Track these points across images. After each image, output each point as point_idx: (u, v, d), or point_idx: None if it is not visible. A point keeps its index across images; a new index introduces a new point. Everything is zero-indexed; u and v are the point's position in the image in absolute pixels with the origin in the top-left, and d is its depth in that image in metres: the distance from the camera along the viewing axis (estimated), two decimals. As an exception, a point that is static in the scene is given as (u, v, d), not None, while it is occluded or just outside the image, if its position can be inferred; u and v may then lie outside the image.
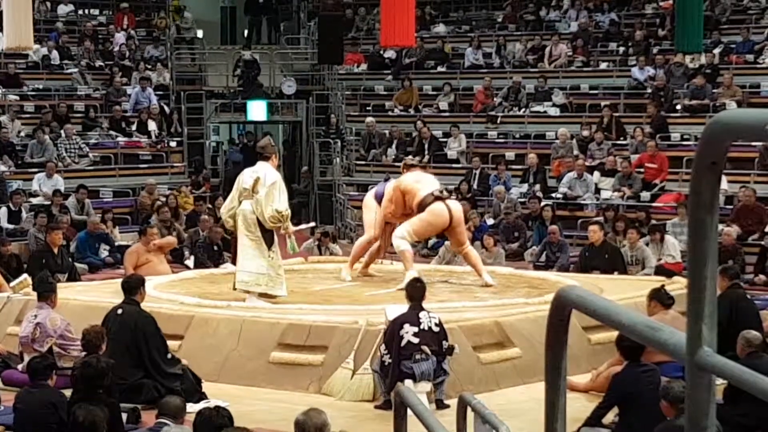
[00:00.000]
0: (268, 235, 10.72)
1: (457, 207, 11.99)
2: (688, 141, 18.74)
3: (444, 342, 8.93)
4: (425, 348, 8.76)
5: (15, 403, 7.94)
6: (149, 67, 23.40)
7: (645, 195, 17.73)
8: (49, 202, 17.72)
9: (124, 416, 7.73)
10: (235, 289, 10.76)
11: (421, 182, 11.90)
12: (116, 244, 16.90)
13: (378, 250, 12.42)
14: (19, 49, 14.90)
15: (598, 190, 18.27)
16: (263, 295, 10.71)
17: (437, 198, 11.70)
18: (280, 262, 10.93)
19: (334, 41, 21.36)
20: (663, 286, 10.18)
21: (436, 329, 8.89)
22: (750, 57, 21.14)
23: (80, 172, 19.53)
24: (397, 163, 20.44)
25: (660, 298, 9.64)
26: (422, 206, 11.67)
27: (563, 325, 2.31)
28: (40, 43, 22.01)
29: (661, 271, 14.14)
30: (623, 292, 11.17)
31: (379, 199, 12.33)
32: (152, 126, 21.26)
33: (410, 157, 12.99)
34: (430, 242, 17.17)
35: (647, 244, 14.96)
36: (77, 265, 15.41)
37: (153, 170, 20.51)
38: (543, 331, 2.34)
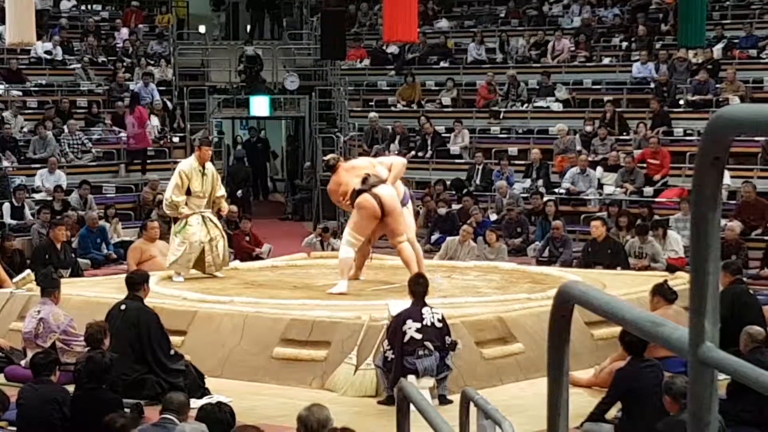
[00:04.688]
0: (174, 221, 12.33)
1: (388, 193, 11.22)
2: (691, 136, 18.73)
3: (447, 337, 8.93)
4: (428, 344, 8.77)
5: (18, 399, 7.95)
6: (152, 62, 23.41)
7: (648, 190, 17.72)
8: (51, 198, 17.73)
9: (127, 412, 7.73)
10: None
11: (343, 183, 11.43)
12: (119, 239, 16.91)
13: (363, 252, 12.00)
14: (21, 45, 14.91)
15: (600, 186, 18.26)
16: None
17: (360, 191, 11.19)
18: (185, 240, 12.10)
19: (336, 37, 21.35)
20: (666, 281, 10.18)
21: (439, 325, 8.90)
22: (753, 52, 21.13)
23: (83, 168, 19.55)
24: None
25: (663, 294, 9.65)
26: (353, 201, 11.29)
27: (566, 321, 2.30)
28: (42, 39, 21.99)
29: (665, 265, 14.15)
30: (626, 288, 11.18)
31: None
32: (155, 122, 21.26)
33: (329, 156, 12.42)
34: (433, 237, 17.18)
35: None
36: (80, 260, 15.43)
37: (156, 166, 20.51)
38: (546, 327, 2.34)
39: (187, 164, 12.32)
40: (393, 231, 11.32)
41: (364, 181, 11.19)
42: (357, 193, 11.15)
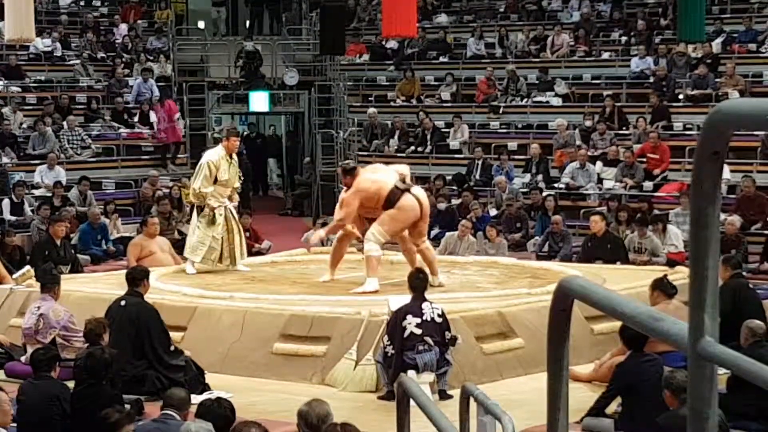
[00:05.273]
0: (198, 210, 12.32)
1: (424, 196, 11.20)
2: (690, 131, 18.72)
3: (446, 332, 8.94)
4: (428, 339, 8.77)
5: (18, 395, 7.94)
6: (151, 58, 23.40)
7: (647, 185, 17.72)
8: (51, 194, 17.74)
9: (127, 408, 7.73)
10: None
11: (379, 180, 10.99)
12: (118, 235, 16.90)
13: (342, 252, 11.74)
14: (20, 41, 14.90)
15: (600, 180, 18.26)
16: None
17: (404, 190, 10.90)
18: (209, 233, 12.20)
19: (335, 32, 21.33)
20: (666, 275, 10.18)
21: (438, 320, 8.90)
22: (753, 46, 21.12)
23: (82, 164, 19.55)
24: (399, 154, 20.54)
25: (663, 288, 9.63)
26: (390, 201, 10.85)
27: (566, 316, 2.30)
28: (42, 35, 22.00)
29: (665, 260, 14.15)
30: (626, 282, 11.17)
31: None
32: (154, 117, 21.26)
33: (347, 161, 11.72)
34: (433, 233, 17.17)
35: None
36: (80, 256, 15.43)
37: (155, 162, 20.52)
38: (546, 322, 2.34)
39: (215, 154, 12.39)
40: (420, 233, 11.18)
41: (404, 179, 10.96)
42: (401, 191, 10.82)
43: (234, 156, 12.53)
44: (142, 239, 14.39)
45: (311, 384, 9.37)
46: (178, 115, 21.09)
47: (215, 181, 12.18)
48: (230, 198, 12.53)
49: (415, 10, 14.78)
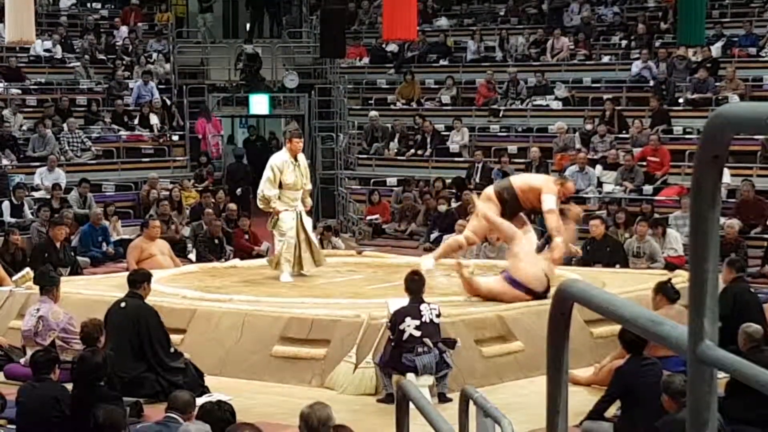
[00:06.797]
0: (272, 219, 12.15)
1: None
2: (690, 134, 18.72)
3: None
4: (427, 340, 8.77)
5: (17, 397, 7.94)
6: (151, 60, 23.40)
7: (647, 188, 17.72)
8: (50, 196, 17.73)
9: (126, 410, 7.73)
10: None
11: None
12: (118, 237, 16.90)
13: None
14: (20, 43, 14.90)
15: (600, 184, 18.25)
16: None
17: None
18: (283, 242, 12.04)
19: (336, 35, 21.33)
20: (669, 280, 10.15)
21: (437, 320, 8.93)
22: (752, 50, 21.13)
23: (83, 166, 19.55)
24: (399, 157, 20.55)
25: (666, 292, 9.61)
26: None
27: (565, 319, 2.30)
28: (42, 37, 22.00)
29: (663, 264, 14.14)
30: (625, 286, 11.17)
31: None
32: (154, 120, 21.26)
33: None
34: (432, 236, 17.16)
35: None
36: (79, 258, 15.42)
37: (155, 164, 20.52)
38: (545, 325, 2.33)
39: (279, 157, 12.13)
40: None
41: None
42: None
43: (300, 158, 12.24)
44: (142, 241, 14.37)
45: (311, 387, 9.37)
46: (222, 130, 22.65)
47: (280, 185, 11.98)
48: (303, 202, 12.30)
49: (415, 13, 14.79)
